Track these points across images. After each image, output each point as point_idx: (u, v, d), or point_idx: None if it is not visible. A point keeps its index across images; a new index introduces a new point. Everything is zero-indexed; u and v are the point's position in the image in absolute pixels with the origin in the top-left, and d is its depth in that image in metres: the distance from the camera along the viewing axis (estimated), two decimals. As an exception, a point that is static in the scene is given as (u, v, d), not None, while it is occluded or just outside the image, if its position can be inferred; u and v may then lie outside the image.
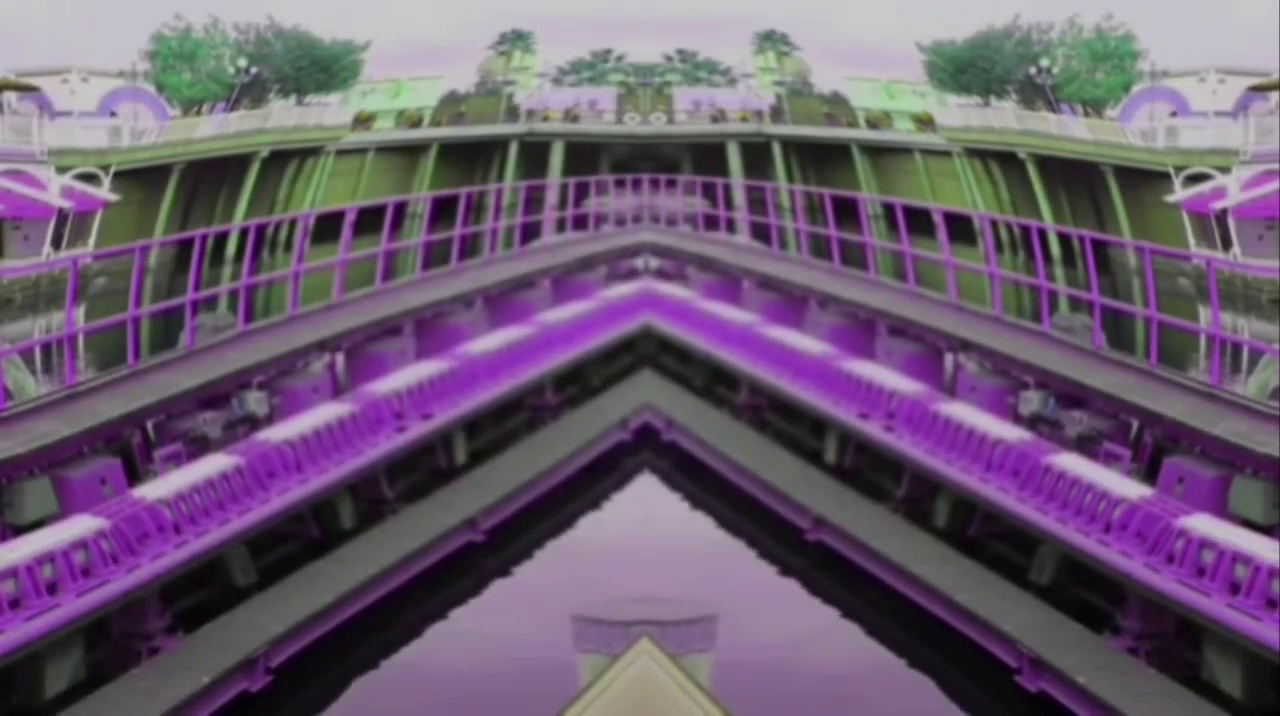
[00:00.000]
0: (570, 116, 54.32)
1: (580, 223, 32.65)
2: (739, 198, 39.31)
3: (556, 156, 53.10)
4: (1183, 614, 11.96)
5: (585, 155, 52.01)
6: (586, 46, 57.81)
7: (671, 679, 7.41)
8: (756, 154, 53.52)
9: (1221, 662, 11.64)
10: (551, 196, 37.73)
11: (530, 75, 57.86)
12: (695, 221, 33.40)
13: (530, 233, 31.40)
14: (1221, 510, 13.11)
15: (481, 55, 58.44)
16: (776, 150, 53.69)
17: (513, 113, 55.31)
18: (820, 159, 53.50)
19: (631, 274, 28.71)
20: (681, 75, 57.28)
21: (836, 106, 55.72)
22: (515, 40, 58.94)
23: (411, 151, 53.60)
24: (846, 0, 57.97)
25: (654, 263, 29.02)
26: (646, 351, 25.40)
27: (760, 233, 30.87)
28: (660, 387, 23.48)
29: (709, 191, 35.85)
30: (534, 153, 53.35)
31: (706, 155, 52.65)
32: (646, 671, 7.42)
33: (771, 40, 58.95)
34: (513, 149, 53.55)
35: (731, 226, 33.04)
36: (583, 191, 34.92)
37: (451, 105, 55.77)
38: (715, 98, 56.06)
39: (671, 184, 35.43)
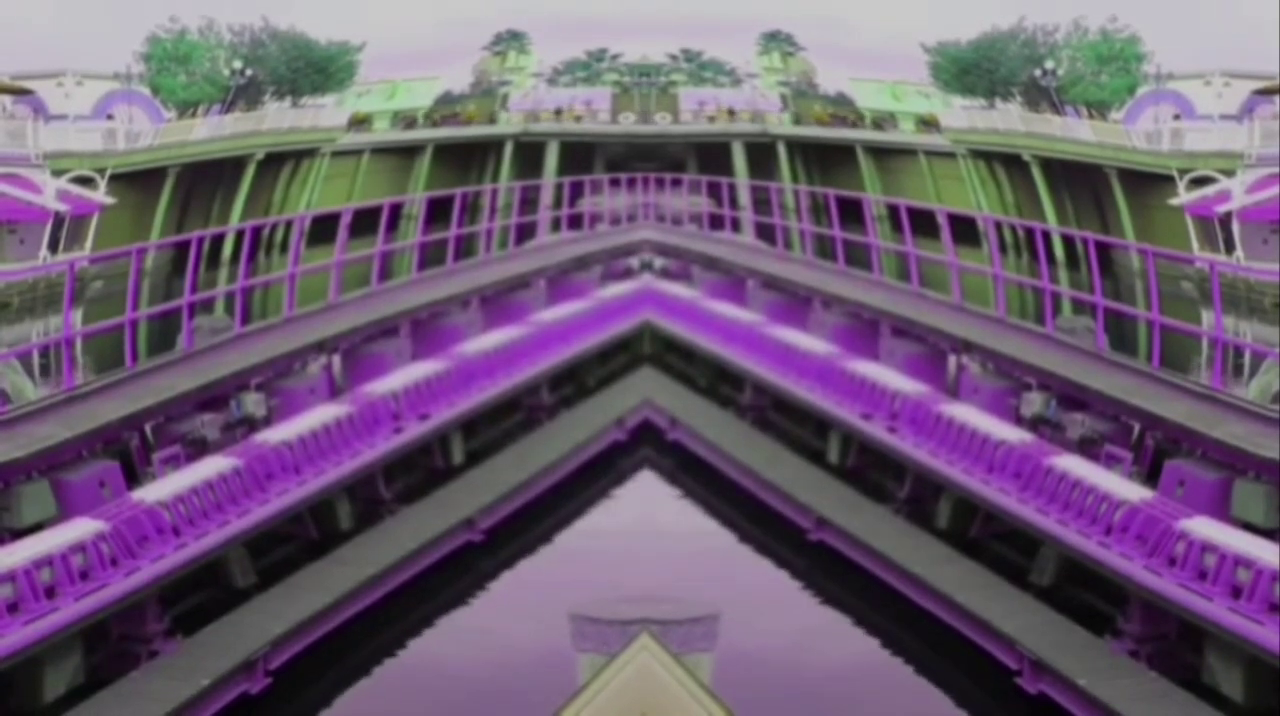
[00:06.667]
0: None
1: (575, 222, 32.63)
2: (744, 197, 39.24)
3: (551, 157, 53.05)
4: (1184, 617, 11.91)
5: (580, 155, 51.94)
6: (590, 47, 57.78)
7: (671, 674, 7.37)
8: (762, 154, 53.49)
9: (1223, 666, 11.59)
10: (546, 196, 37.66)
11: (525, 76, 57.79)
12: (700, 220, 33.39)
13: (525, 233, 31.38)
14: (1223, 513, 13.06)
15: (477, 56, 58.40)
16: (782, 150, 53.67)
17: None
18: (825, 160, 53.48)
19: (628, 273, 28.63)
20: (687, 75, 57.22)
21: (841, 107, 55.65)
22: (510, 41, 58.85)
23: (407, 153, 53.49)
24: (852, 2, 57.94)
25: (656, 261, 28.95)
26: (646, 350, 25.36)
27: (765, 232, 30.85)
28: (660, 385, 23.43)
29: (714, 191, 35.81)
30: (529, 153, 53.30)
31: (712, 155, 52.63)
32: (647, 667, 7.38)
33: (776, 41, 58.85)
34: (508, 149, 53.51)
35: (736, 226, 33.01)
36: (578, 191, 34.89)
37: (447, 106, 55.73)
38: (720, 97, 56.01)
39: (677, 183, 35.43)
